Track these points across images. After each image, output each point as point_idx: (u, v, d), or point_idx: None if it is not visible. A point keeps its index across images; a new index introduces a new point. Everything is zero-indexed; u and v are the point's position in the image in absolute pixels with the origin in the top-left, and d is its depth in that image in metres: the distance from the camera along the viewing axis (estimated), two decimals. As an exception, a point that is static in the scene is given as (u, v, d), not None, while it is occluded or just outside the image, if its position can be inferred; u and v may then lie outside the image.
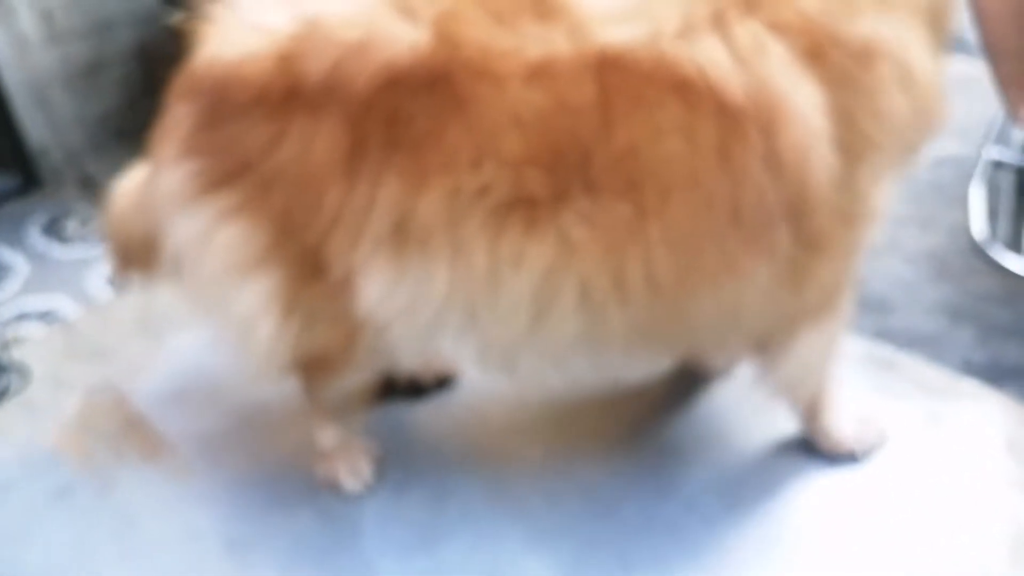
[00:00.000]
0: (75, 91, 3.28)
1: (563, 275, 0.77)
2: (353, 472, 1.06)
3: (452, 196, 0.75)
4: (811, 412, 1.03)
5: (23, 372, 1.29)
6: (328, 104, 0.75)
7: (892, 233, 2.88)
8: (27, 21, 3.07)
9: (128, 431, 1.16)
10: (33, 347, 1.41)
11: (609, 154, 0.74)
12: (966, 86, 2.50)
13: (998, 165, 2.19)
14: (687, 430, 1.11)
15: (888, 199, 0.86)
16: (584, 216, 0.75)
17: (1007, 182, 2.23)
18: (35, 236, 3.31)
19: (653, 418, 1.14)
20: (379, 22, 0.75)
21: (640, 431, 1.12)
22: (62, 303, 2.93)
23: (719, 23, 0.75)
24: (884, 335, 2.44)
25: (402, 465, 1.09)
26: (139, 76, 3.44)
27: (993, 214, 2.18)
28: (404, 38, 0.75)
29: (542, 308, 0.79)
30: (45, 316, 2.85)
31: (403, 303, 0.81)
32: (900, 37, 0.79)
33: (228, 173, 0.80)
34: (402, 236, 0.77)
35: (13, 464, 1.12)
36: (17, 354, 1.36)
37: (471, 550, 0.99)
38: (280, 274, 0.83)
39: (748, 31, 0.75)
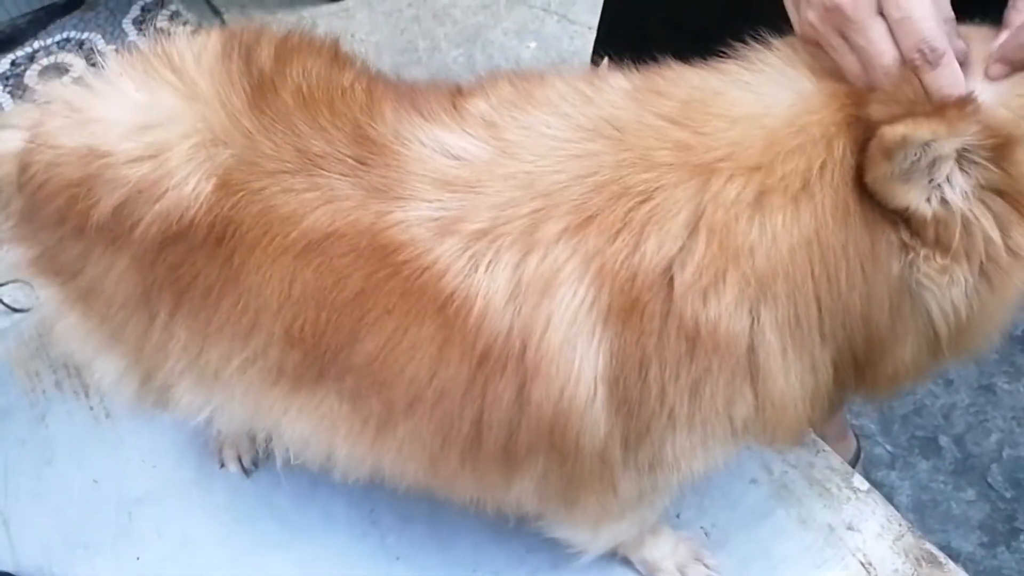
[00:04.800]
0: None
1: (332, 434, 0.77)
2: (237, 459, 1.16)
3: (228, 357, 0.75)
4: (624, 549, 0.99)
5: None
6: (120, 241, 0.73)
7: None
8: None
9: (71, 364, 1.28)
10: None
11: (362, 354, 0.69)
12: None
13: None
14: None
15: (712, 463, 0.76)
16: (342, 395, 0.73)
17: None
18: (128, 27, 3.40)
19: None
20: (170, 162, 0.70)
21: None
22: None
23: (527, 237, 0.64)
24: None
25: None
26: None
27: None
28: (188, 188, 0.69)
29: (326, 449, 0.80)
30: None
31: (211, 414, 0.84)
32: (763, 337, 0.63)
33: (55, 271, 0.81)
34: (198, 372, 0.78)
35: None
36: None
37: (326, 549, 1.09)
38: (125, 361, 0.86)
39: (552, 261, 0.63)
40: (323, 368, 0.72)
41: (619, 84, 0.69)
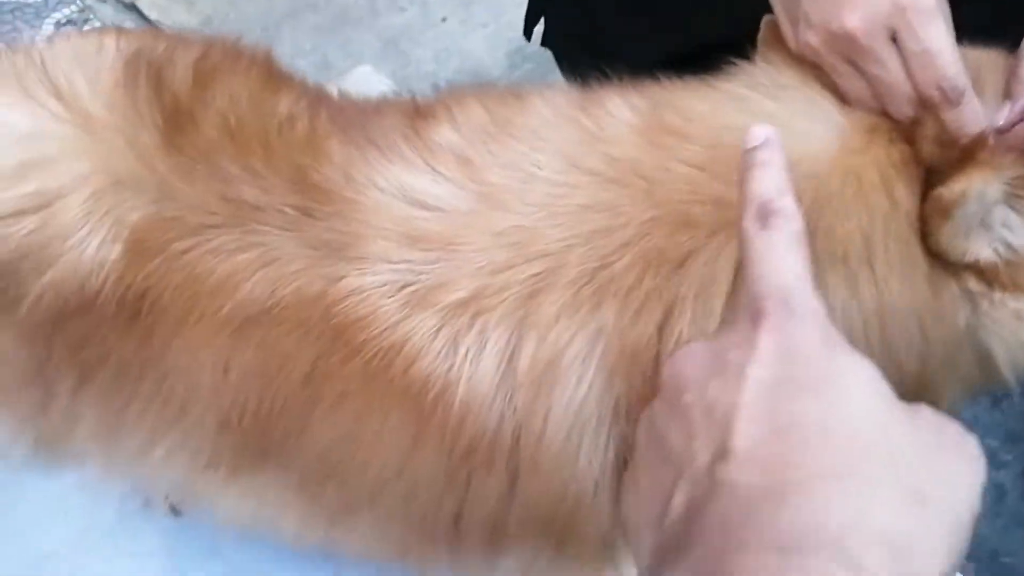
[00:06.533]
0: None
1: (280, 516, 0.67)
2: (164, 496, 1.02)
3: (150, 444, 0.63)
4: None
5: None
6: (1, 316, 0.58)
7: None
8: None
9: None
10: None
11: (313, 446, 0.59)
12: None
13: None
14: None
15: None
16: (290, 486, 0.63)
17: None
18: None
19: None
20: (62, 217, 0.55)
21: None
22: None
23: (521, 310, 0.54)
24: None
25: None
26: None
27: None
28: (89, 252, 0.55)
29: (273, 529, 0.69)
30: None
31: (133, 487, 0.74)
32: None
33: None
34: (112, 454, 0.66)
35: None
36: None
37: None
38: (16, 426, 0.70)
39: (554, 340, 0.53)
40: (266, 456, 0.62)
41: (623, 116, 0.58)
